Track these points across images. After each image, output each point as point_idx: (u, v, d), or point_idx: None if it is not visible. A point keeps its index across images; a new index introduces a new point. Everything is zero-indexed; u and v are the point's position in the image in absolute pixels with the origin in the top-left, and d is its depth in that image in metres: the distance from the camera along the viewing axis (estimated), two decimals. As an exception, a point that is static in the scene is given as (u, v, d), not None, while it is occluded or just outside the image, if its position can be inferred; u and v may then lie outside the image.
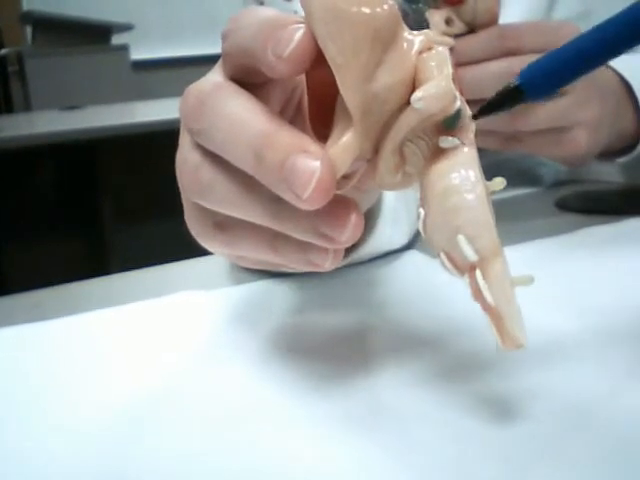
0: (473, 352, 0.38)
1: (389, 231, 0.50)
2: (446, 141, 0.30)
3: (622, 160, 0.66)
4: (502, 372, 0.36)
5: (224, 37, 0.31)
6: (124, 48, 3.10)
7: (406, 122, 0.29)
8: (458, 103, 0.29)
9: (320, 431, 0.32)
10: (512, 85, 0.34)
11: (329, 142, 0.29)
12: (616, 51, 0.33)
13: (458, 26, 0.55)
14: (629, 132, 0.64)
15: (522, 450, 0.30)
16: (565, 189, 0.71)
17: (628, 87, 0.62)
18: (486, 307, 0.29)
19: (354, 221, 0.29)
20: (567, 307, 0.43)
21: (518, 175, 0.74)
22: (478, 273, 0.29)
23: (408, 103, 0.29)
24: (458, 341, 0.40)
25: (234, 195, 0.30)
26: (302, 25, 0.28)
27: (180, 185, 0.33)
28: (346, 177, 0.31)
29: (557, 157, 0.61)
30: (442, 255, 0.30)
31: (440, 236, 0.29)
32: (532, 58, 0.53)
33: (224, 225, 0.32)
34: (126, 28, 3.19)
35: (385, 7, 0.28)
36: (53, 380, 0.39)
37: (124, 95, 2.96)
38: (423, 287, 0.48)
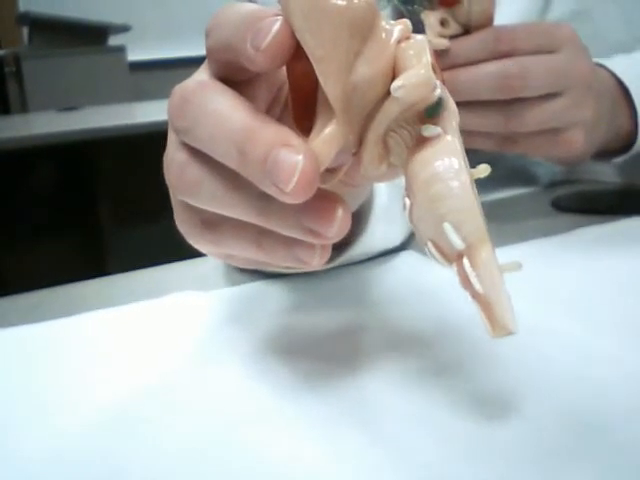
0: (467, 353, 0.38)
1: (382, 229, 0.50)
2: (428, 129, 0.29)
3: (618, 160, 0.66)
4: (495, 372, 0.36)
5: (207, 35, 0.31)
6: (121, 49, 3.09)
7: (388, 112, 0.29)
8: (439, 91, 0.29)
9: (315, 431, 0.32)
10: None
11: (312, 135, 0.29)
12: None
13: (453, 27, 0.55)
14: (625, 132, 0.64)
15: (512, 451, 0.30)
16: (561, 189, 0.71)
17: (623, 87, 0.63)
18: (475, 294, 0.29)
19: (341, 216, 0.29)
20: (562, 307, 0.43)
21: (513, 174, 0.74)
22: (465, 261, 0.29)
23: (389, 93, 0.29)
24: (452, 342, 0.40)
25: (220, 192, 0.30)
26: (279, 17, 0.28)
27: (168, 183, 0.33)
28: (332, 171, 0.31)
29: (553, 157, 0.61)
30: (429, 244, 0.29)
31: (426, 225, 0.29)
32: (526, 60, 0.54)
33: (211, 223, 0.32)
34: (123, 29, 3.19)
35: None
36: (52, 381, 0.40)
37: (121, 96, 2.96)
38: (418, 288, 0.48)
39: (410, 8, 0.54)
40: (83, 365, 0.41)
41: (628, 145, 0.65)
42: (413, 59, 0.29)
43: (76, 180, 2.54)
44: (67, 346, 0.44)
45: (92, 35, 3.10)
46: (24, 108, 2.96)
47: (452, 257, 0.29)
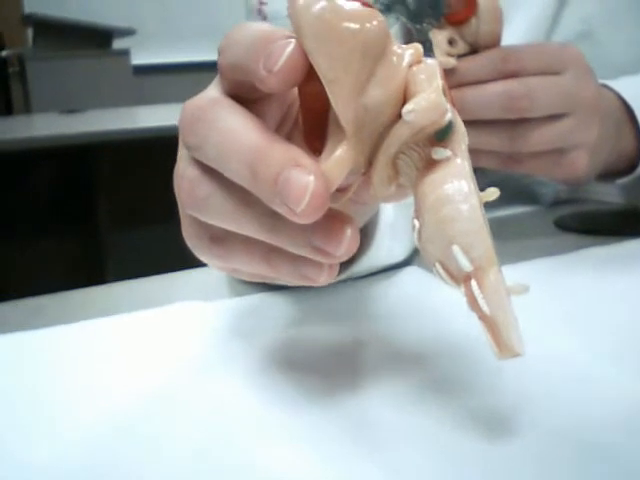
0: (469, 371, 0.38)
1: (388, 245, 0.50)
2: (438, 152, 0.30)
3: (621, 181, 0.66)
4: (496, 390, 0.36)
5: (219, 53, 0.31)
6: (125, 53, 3.10)
7: (398, 135, 0.29)
8: (449, 115, 0.29)
9: (315, 446, 0.32)
10: None
11: (323, 156, 0.29)
12: None
13: (461, 46, 0.55)
14: (629, 153, 0.64)
15: (512, 470, 0.30)
16: (564, 209, 0.71)
17: (628, 108, 0.63)
18: (482, 316, 0.29)
19: (350, 235, 0.29)
20: (563, 327, 0.43)
21: (518, 194, 0.74)
22: (473, 283, 0.29)
23: (400, 116, 0.29)
24: (454, 359, 0.40)
25: (230, 209, 0.30)
26: (292, 40, 0.28)
27: (177, 199, 0.33)
28: (341, 190, 0.31)
29: (556, 178, 0.61)
30: (437, 265, 0.30)
31: (434, 247, 0.29)
32: (532, 80, 0.54)
33: (220, 238, 0.32)
34: (127, 33, 3.19)
35: (374, 22, 0.28)
36: (51, 388, 0.39)
37: (124, 100, 2.96)
38: (421, 303, 0.48)
39: (418, 26, 0.54)
40: (83, 373, 0.41)
41: (632, 166, 0.65)
42: (424, 83, 0.29)
43: (77, 183, 2.55)
44: (67, 353, 0.44)
45: (96, 38, 3.11)
46: (27, 109, 2.96)
47: (460, 278, 0.29)
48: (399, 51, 0.30)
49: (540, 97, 0.54)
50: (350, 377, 0.38)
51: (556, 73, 0.55)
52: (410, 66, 0.30)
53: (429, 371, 0.39)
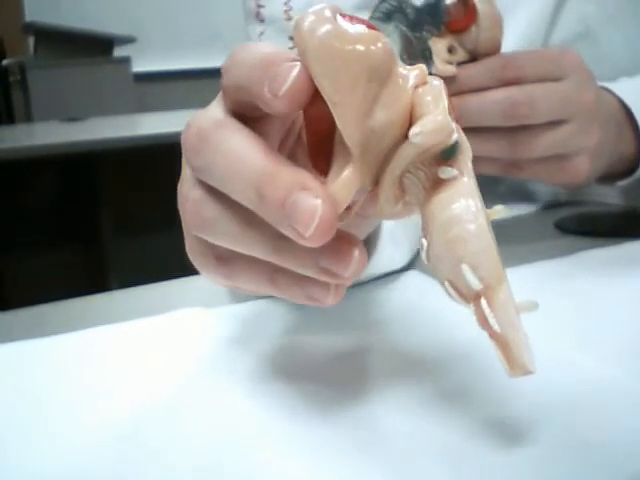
0: (473, 376, 0.38)
1: (389, 251, 0.50)
2: (445, 172, 0.30)
3: (622, 183, 0.66)
4: (499, 396, 0.36)
5: (223, 73, 0.31)
6: (126, 60, 3.10)
7: (404, 155, 0.29)
8: (455, 135, 0.29)
9: (317, 454, 0.32)
10: None
11: (329, 177, 0.29)
12: None
13: (461, 54, 0.55)
14: (629, 156, 0.64)
15: (522, 477, 0.30)
16: (564, 211, 0.71)
17: (628, 111, 0.63)
18: (492, 334, 0.29)
19: (357, 256, 0.29)
20: (565, 331, 0.43)
21: (514, 191, 0.74)
22: (483, 301, 0.29)
23: (406, 137, 0.29)
24: (458, 365, 0.40)
25: (236, 230, 0.30)
26: (297, 63, 0.28)
27: (182, 218, 0.33)
28: (347, 208, 0.31)
29: (558, 183, 0.61)
30: (447, 284, 0.30)
31: (443, 265, 0.30)
32: (532, 87, 0.54)
33: (225, 258, 0.32)
34: (128, 40, 3.20)
35: (379, 44, 0.29)
36: (54, 396, 0.40)
37: (125, 107, 2.96)
38: (423, 308, 0.48)
39: (418, 35, 0.54)
40: (85, 381, 0.41)
41: (632, 168, 0.65)
42: (430, 105, 0.29)
43: (78, 191, 2.55)
44: (69, 362, 0.44)
45: (97, 46, 3.11)
46: (28, 118, 2.97)
47: (470, 297, 0.29)
48: (404, 72, 0.30)
49: (540, 104, 0.54)
50: (352, 384, 0.38)
51: (556, 79, 0.55)
52: (416, 87, 0.30)
53: (432, 378, 0.38)
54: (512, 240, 0.63)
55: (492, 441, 0.32)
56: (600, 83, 0.60)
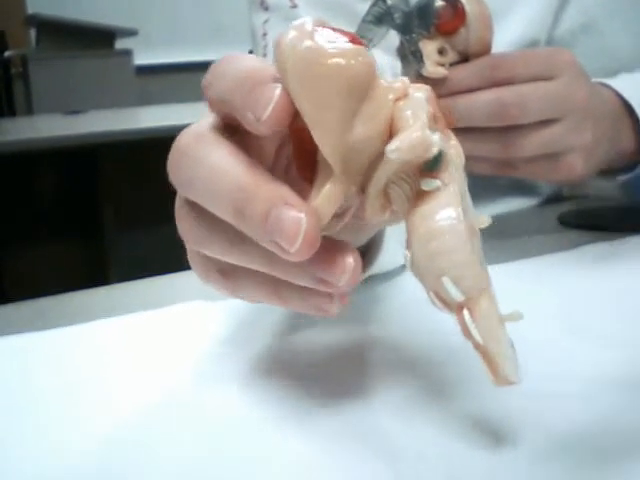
0: (473, 373, 0.38)
1: (392, 247, 0.50)
2: (427, 183, 0.29)
3: (623, 178, 0.66)
4: (500, 392, 0.36)
5: (206, 85, 0.31)
6: (128, 53, 3.10)
7: (386, 168, 0.29)
8: (435, 149, 0.29)
9: (316, 449, 0.32)
10: None
11: (312, 192, 0.29)
12: None
13: (451, 55, 0.55)
14: (629, 151, 0.64)
15: (516, 475, 0.30)
16: (566, 205, 0.71)
17: (628, 106, 0.63)
18: (476, 345, 0.29)
19: (352, 264, 0.29)
20: (567, 324, 0.43)
21: (515, 186, 0.74)
22: (465, 312, 0.29)
23: None
24: (457, 362, 0.39)
25: (229, 244, 0.30)
26: (279, 85, 0.28)
27: (180, 234, 0.33)
28: (339, 216, 0.31)
29: (553, 181, 0.61)
30: (431, 294, 0.30)
31: (427, 277, 0.29)
32: (522, 88, 0.54)
33: (227, 272, 0.32)
34: (130, 33, 3.19)
35: (359, 59, 0.28)
36: (54, 389, 0.40)
37: (127, 100, 2.96)
38: (425, 305, 0.48)
39: (408, 37, 0.55)
40: (86, 374, 0.41)
41: (634, 162, 0.65)
42: (410, 119, 0.29)
43: (80, 184, 2.55)
44: (70, 355, 0.44)
45: (99, 38, 3.11)
46: (30, 110, 2.97)
47: (453, 307, 0.29)
48: (385, 85, 0.29)
49: (530, 104, 0.54)
50: (352, 381, 0.38)
51: (547, 78, 0.55)
52: (396, 100, 0.29)
53: (432, 375, 0.38)
54: (515, 234, 0.63)
55: (491, 437, 0.32)
56: (599, 79, 0.60)
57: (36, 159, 2.40)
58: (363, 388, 0.37)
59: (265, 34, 0.68)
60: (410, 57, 0.55)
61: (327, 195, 0.29)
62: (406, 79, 0.30)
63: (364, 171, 0.30)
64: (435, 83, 0.55)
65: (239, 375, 0.39)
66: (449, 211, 0.29)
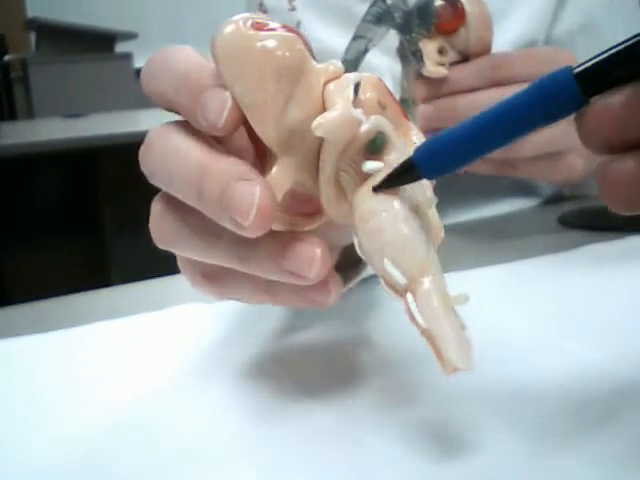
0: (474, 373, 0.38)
1: None
2: (367, 165, 0.30)
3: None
4: (500, 390, 0.36)
5: (143, 80, 0.32)
6: (128, 56, 3.10)
7: (327, 152, 0.29)
8: (365, 127, 0.29)
9: (309, 448, 0.32)
10: (408, 160, 0.29)
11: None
12: (520, 132, 0.28)
13: (451, 55, 0.55)
14: None
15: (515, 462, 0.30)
16: (568, 205, 0.71)
17: None
18: (421, 331, 0.28)
19: (319, 256, 0.29)
20: (568, 324, 0.43)
21: (515, 186, 0.74)
22: (409, 296, 0.28)
23: None
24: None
25: (197, 241, 0.31)
26: (222, 89, 0.29)
27: (154, 239, 0.33)
28: (312, 214, 0.31)
29: (553, 181, 0.61)
30: (381, 280, 0.29)
31: (373, 262, 0.29)
32: (521, 87, 0.54)
33: (212, 275, 0.33)
34: (130, 36, 3.20)
35: (288, 44, 0.29)
36: (55, 391, 0.40)
37: (127, 103, 2.96)
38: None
39: (408, 37, 0.55)
40: (87, 376, 0.41)
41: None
42: (335, 97, 0.29)
43: (81, 187, 2.55)
44: (71, 357, 0.44)
45: (99, 42, 3.11)
46: (30, 114, 2.97)
47: (401, 292, 0.29)
48: (318, 68, 0.30)
49: None
50: (351, 381, 0.38)
51: None
52: (327, 83, 0.30)
53: (428, 375, 0.38)
54: (515, 234, 0.63)
55: (492, 434, 0.32)
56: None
57: (37, 162, 2.40)
58: (361, 389, 0.37)
59: None
60: (410, 57, 0.55)
61: (271, 179, 0.29)
62: (338, 62, 0.31)
63: (312, 156, 0.30)
64: (435, 83, 0.55)
65: (239, 376, 0.39)
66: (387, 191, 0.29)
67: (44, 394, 0.39)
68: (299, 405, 0.36)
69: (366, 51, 0.58)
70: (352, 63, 0.59)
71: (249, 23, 0.29)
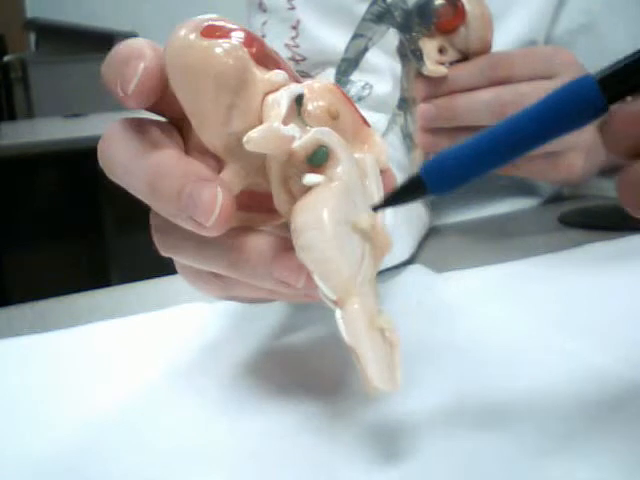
0: (472, 370, 0.38)
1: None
2: (306, 178, 0.29)
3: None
4: (500, 388, 0.36)
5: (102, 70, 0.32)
6: (127, 56, 3.10)
7: (271, 163, 0.30)
8: (300, 142, 0.29)
9: (307, 445, 0.32)
10: (415, 176, 0.29)
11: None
12: (530, 146, 0.29)
13: (451, 54, 0.56)
14: None
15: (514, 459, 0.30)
16: (568, 205, 0.71)
17: None
18: (348, 347, 0.28)
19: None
20: (568, 323, 0.43)
21: (516, 186, 0.74)
22: (338, 312, 0.28)
23: None
24: (457, 359, 0.39)
25: (192, 249, 0.31)
26: (142, 62, 0.29)
27: (155, 243, 0.33)
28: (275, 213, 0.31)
29: (553, 180, 0.61)
30: (319, 292, 0.29)
31: (309, 271, 0.29)
32: (521, 87, 0.54)
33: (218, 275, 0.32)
34: (129, 36, 3.19)
35: (231, 53, 0.29)
36: (55, 391, 0.40)
37: (127, 103, 2.96)
38: (424, 302, 0.48)
39: (408, 36, 0.55)
40: (87, 376, 0.41)
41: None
42: (270, 112, 0.29)
43: (81, 187, 2.55)
44: (71, 357, 0.44)
45: (99, 42, 3.11)
46: (30, 114, 2.97)
47: (333, 305, 0.29)
48: (259, 78, 0.30)
49: (529, 103, 0.54)
50: (350, 380, 0.38)
51: (547, 77, 0.55)
52: (268, 94, 0.30)
53: (432, 371, 0.38)
54: (516, 234, 0.63)
55: (492, 434, 0.32)
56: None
57: (37, 162, 2.40)
58: (360, 387, 0.37)
59: (264, 36, 0.68)
60: (410, 56, 0.55)
61: (222, 182, 0.29)
62: (285, 73, 0.31)
63: (262, 163, 0.30)
64: (435, 82, 0.55)
65: (239, 376, 0.39)
66: (320, 208, 0.28)
67: (44, 394, 0.39)
68: (299, 405, 0.36)
69: (366, 50, 0.58)
70: (352, 62, 0.59)
71: (200, 29, 0.29)
